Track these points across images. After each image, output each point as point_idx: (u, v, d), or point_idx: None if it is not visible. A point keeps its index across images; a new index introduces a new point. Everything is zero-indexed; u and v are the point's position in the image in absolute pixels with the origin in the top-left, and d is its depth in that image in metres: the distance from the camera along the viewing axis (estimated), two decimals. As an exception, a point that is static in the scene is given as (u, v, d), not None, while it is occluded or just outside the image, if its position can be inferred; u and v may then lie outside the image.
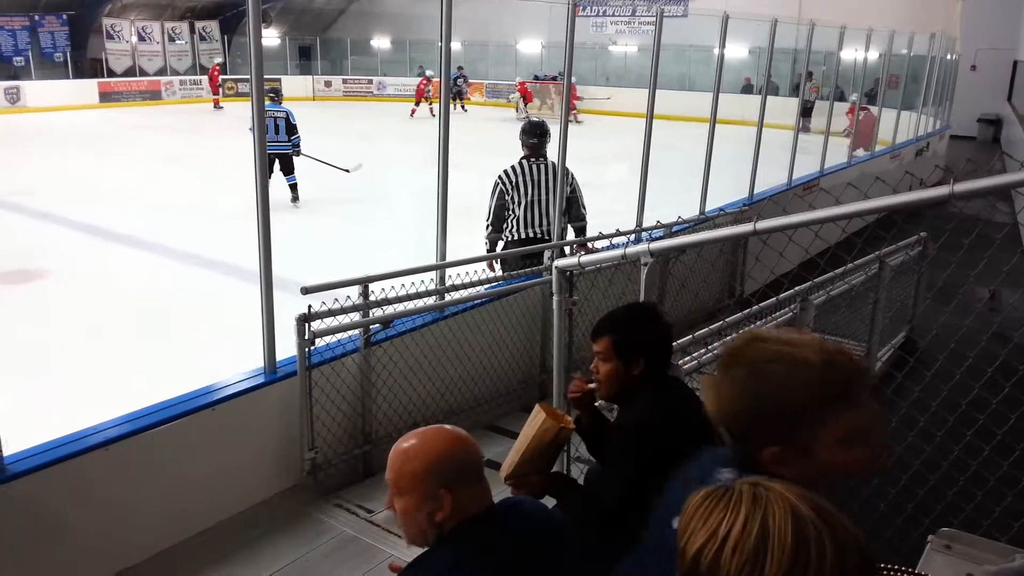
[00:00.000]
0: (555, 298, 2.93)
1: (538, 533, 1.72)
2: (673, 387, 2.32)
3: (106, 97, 24.39)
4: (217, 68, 24.79)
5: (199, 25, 27.90)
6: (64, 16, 24.80)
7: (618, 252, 2.63)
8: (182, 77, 26.91)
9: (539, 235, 5.38)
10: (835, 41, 10.32)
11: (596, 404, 2.44)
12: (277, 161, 10.16)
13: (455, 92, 25.34)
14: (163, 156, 15.17)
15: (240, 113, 21.13)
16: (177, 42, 27.39)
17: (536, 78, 24.79)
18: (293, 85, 25.61)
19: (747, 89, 22.00)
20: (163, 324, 6.37)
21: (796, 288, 3.48)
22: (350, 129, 19.31)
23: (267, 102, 9.84)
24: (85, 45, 25.55)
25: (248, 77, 3.62)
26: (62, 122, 20.15)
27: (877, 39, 12.08)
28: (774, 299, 3.41)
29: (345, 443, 3.90)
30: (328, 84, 28.66)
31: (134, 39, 26.11)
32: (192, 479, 3.37)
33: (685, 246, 3.37)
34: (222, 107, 23.77)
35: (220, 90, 24.61)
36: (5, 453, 2.83)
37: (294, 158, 10.52)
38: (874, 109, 12.98)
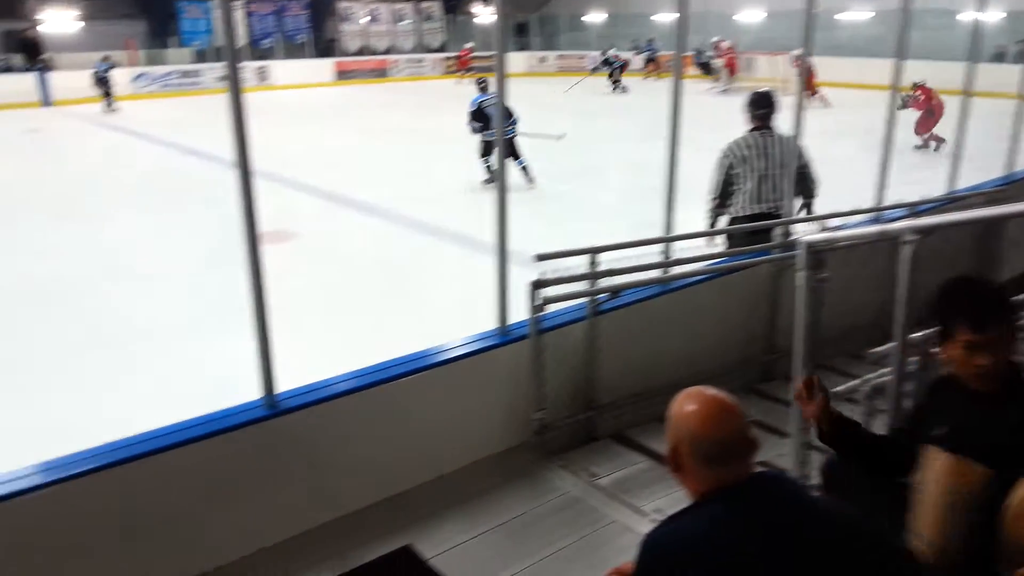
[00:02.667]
0: (800, 274, 2.81)
1: (793, 511, 1.68)
2: None
3: (341, 75, 26.28)
4: (467, 51, 25.85)
5: (424, 5, 29.26)
6: (305, 1, 26.95)
7: (876, 229, 2.48)
8: (408, 56, 28.39)
9: (769, 210, 5.18)
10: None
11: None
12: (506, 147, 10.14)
13: (648, 59, 25.25)
14: (394, 129, 16.14)
15: (460, 91, 21.99)
16: (403, 22, 28.90)
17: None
18: (509, 61, 26.20)
19: (998, 57, 19.78)
20: (397, 285, 6.85)
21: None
22: (564, 104, 19.53)
23: (484, 93, 10.26)
24: (323, 27, 27.64)
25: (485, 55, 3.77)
26: (304, 98, 21.97)
27: None
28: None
29: (570, 407, 3.99)
30: (542, 60, 29.09)
31: (365, 20, 27.88)
32: (430, 429, 3.61)
33: (957, 223, 3.06)
34: (462, 83, 24.60)
35: (465, 68, 25.56)
36: (277, 391, 3.18)
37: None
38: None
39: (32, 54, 21.53)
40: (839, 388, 2.93)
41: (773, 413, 4.31)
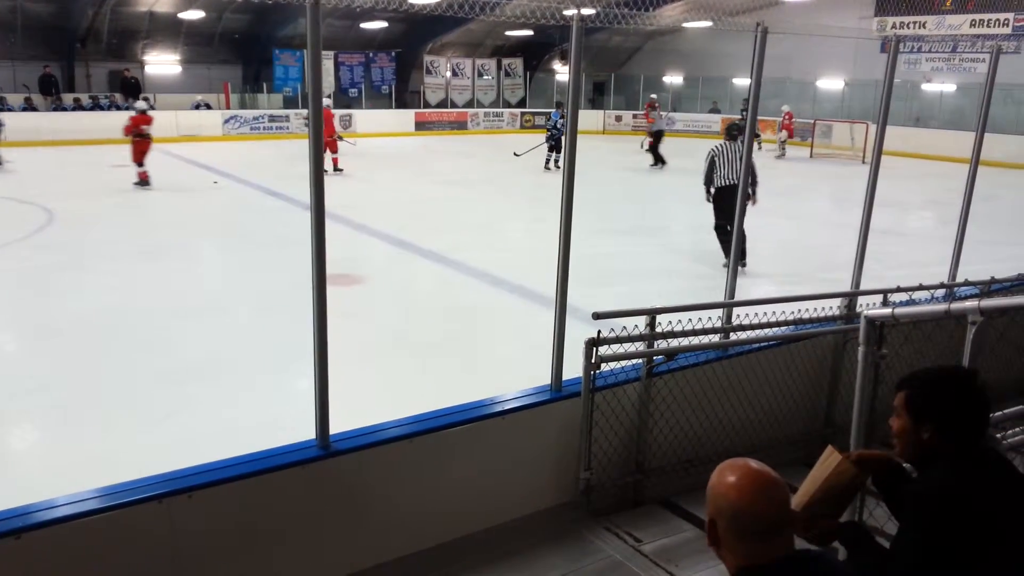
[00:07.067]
0: (861, 349, 2.76)
1: None
2: (981, 458, 2.08)
3: (421, 126, 27.00)
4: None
5: (506, 62, 29.97)
6: (393, 53, 27.92)
7: (941, 307, 2.42)
8: (486, 109, 29.03)
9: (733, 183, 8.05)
10: None
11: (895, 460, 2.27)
12: None
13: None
14: (467, 180, 16.49)
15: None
16: (485, 77, 29.62)
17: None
18: (584, 119, 26.52)
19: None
20: (457, 333, 6.92)
21: None
22: (631, 162, 19.62)
23: None
24: (407, 79, 28.51)
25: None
26: (384, 146, 22.61)
27: None
28: None
29: (619, 469, 3.95)
30: (618, 119, 29.33)
31: (448, 74, 28.68)
32: (477, 481, 3.61)
33: (1024, 306, 2.96)
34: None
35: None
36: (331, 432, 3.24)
37: None
38: None
39: (131, 93, 22.82)
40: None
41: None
